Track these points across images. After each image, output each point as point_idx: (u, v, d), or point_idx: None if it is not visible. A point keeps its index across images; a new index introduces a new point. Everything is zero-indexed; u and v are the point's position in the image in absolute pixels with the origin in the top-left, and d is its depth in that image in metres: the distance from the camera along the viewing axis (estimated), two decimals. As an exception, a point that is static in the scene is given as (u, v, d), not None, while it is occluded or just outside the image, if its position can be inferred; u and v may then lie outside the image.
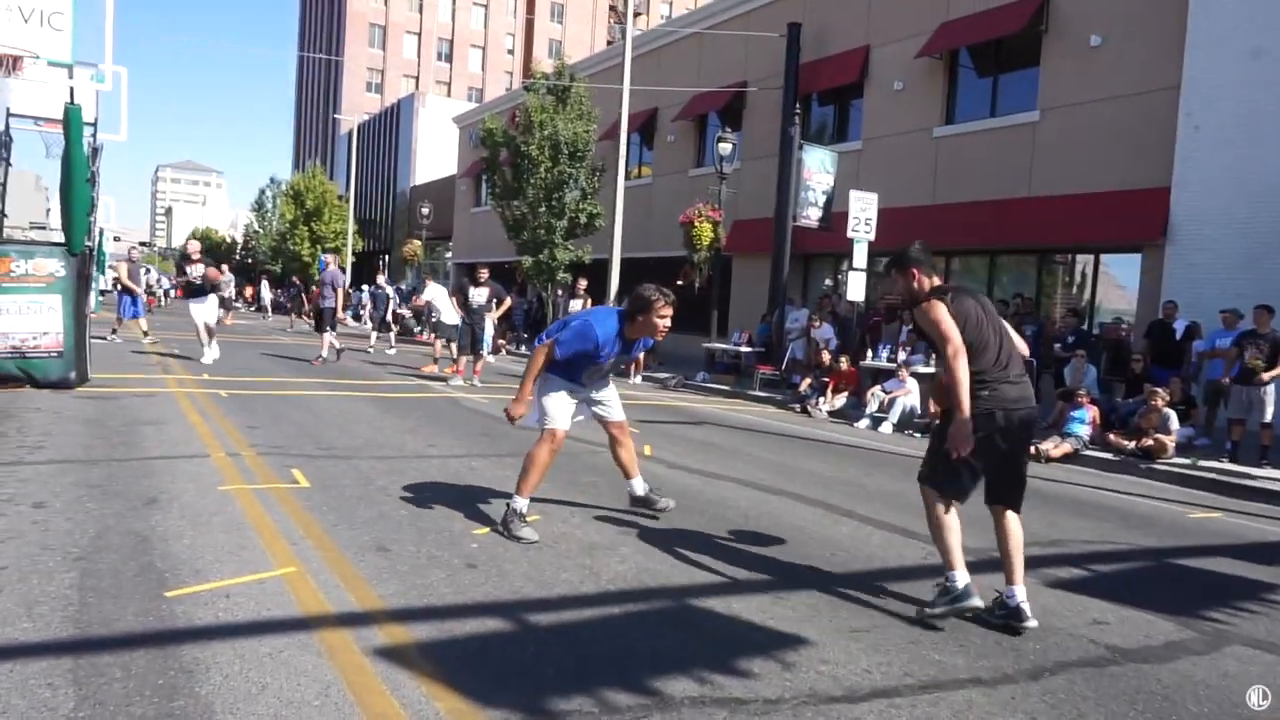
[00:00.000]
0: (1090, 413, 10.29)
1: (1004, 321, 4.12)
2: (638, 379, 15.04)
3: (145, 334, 15.74)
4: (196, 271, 13.50)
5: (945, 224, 16.32)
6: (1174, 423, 9.82)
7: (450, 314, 13.80)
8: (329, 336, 14.53)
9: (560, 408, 4.89)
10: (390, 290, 25.02)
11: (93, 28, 10.07)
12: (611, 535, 4.78)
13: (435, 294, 14.79)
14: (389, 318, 22.40)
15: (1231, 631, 3.94)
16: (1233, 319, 11.09)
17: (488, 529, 4.74)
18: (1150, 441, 9.63)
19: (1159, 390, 10.10)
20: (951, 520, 3.89)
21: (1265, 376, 9.50)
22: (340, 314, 14.55)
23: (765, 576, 4.25)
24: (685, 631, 3.47)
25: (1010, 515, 3.96)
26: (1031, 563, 4.89)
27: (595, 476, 6.43)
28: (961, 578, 3.79)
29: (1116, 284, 14.98)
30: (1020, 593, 3.83)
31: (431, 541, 4.42)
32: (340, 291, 14.76)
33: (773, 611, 3.73)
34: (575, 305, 15.33)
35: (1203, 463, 9.36)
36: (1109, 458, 9.79)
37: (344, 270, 43.26)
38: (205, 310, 13.26)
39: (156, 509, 4.67)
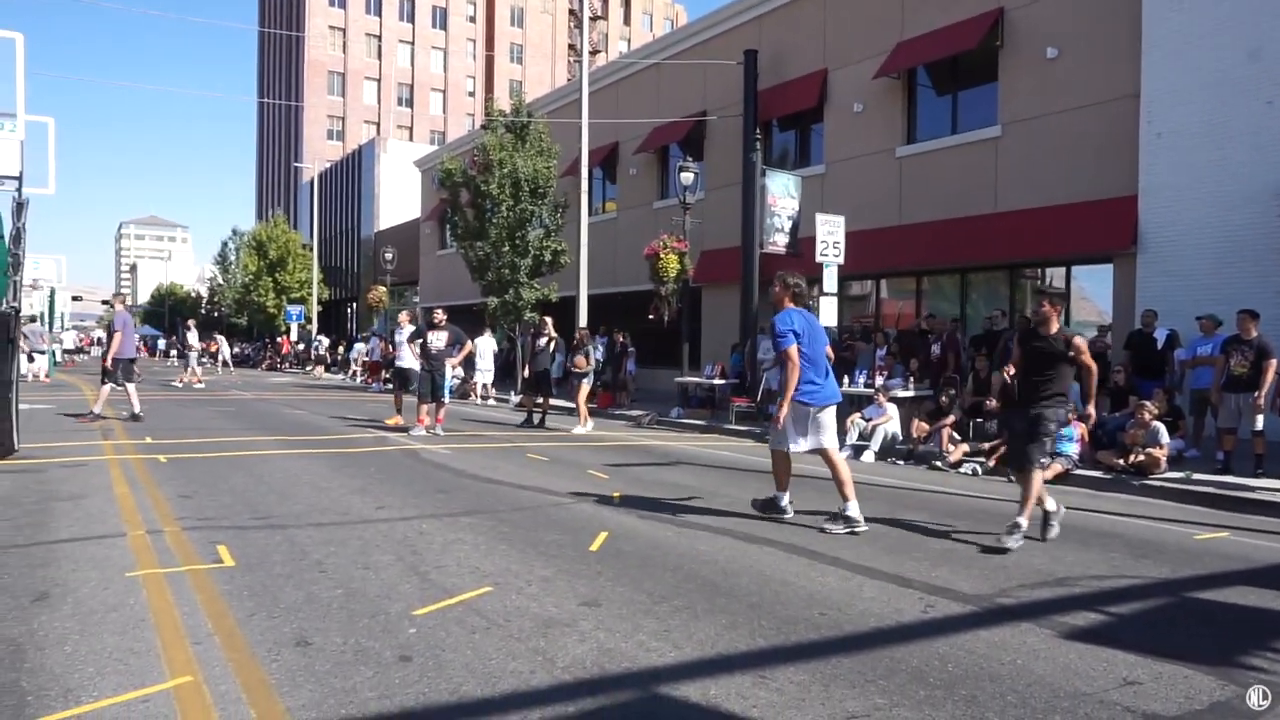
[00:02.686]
0: (1078, 430, 9.88)
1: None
2: (588, 427, 13.58)
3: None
4: None
5: (913, 243, 16.06)
6: (1164, 436, 9.43)
7: (409, 359, 13.30)
8: (106, 390, 12.78)
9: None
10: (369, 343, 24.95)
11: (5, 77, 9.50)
12: (571, 608, 4.22)
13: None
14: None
15: None
16: (1211, 325, 10.79)
17: (429, 607, 4.17)
18: (1142, 457, 9.24)
19: (1146, 404, 9.74)
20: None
21: (1260, 402, 9.17)
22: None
23: (746, 649, 3.71)
24: (654, 729, 2.93)
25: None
26: (1042, 608, 4.42)
27: (559, 534, 5.87)
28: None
29: (1087, 296, 14.74)
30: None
31: (363, 629, 3.85)
32: (134, 337, 12.96)
33: (755, 696, 3.20)
34: (541, 343, 14.75)
35: (1196, 476, 8.98)
36: (1100, 476, 9.39)
37: (310, 320, 42.48)
38: None
39: (45, 606, 4.06)
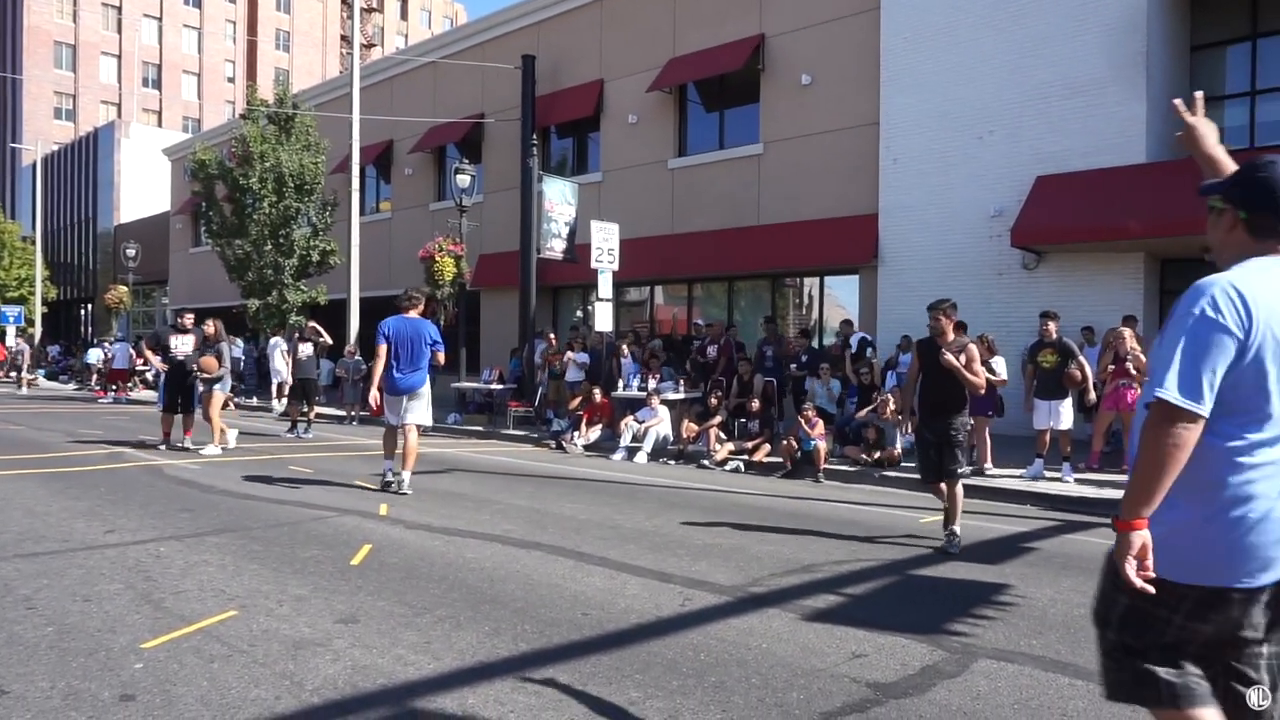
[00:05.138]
0: (817, 428, 10.49)
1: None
2: (227, 444, 11.18)
3: None
4: None
5: (685, 252, 16.79)
6: (896, 430, 10.47)
7: None
8: None
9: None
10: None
11: None
12: (326, 627, 4.00)
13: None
14: None
15: (976, 645, 3.95)
16: (938, 332, 12.16)
17: (161, 638, 3.79)
18: (880, 452, 10.22)
19: (889, 395, 10.77)
20: None
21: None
22: None
23: (507, 654, 3.70)
24: (408, 746, 2.84)
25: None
26: (789, 594, 4.76)
27: (318, 549, 5.56)
28: None
29: (840, 303, 16.11)
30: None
31: (77, 670, 3.43)
32: None
33: (513, 701, 3.19)
34: (306, 350, 13.92)
35: (926, 466, 10.05)
36: (848, 469, 10.27)
37: (31, 323, 37.40)
38: None
39: None
